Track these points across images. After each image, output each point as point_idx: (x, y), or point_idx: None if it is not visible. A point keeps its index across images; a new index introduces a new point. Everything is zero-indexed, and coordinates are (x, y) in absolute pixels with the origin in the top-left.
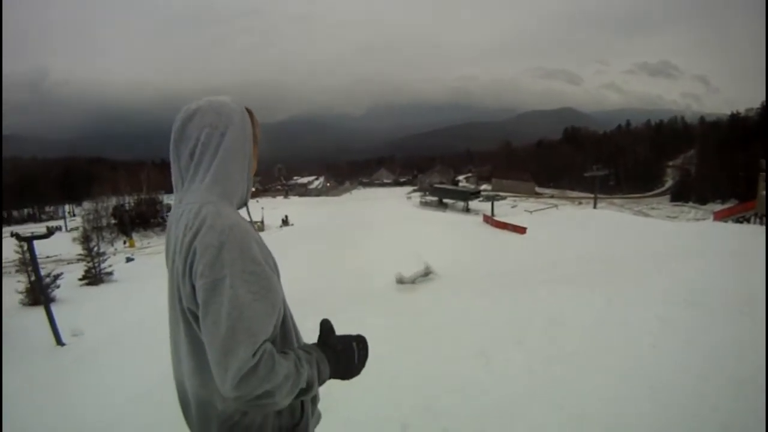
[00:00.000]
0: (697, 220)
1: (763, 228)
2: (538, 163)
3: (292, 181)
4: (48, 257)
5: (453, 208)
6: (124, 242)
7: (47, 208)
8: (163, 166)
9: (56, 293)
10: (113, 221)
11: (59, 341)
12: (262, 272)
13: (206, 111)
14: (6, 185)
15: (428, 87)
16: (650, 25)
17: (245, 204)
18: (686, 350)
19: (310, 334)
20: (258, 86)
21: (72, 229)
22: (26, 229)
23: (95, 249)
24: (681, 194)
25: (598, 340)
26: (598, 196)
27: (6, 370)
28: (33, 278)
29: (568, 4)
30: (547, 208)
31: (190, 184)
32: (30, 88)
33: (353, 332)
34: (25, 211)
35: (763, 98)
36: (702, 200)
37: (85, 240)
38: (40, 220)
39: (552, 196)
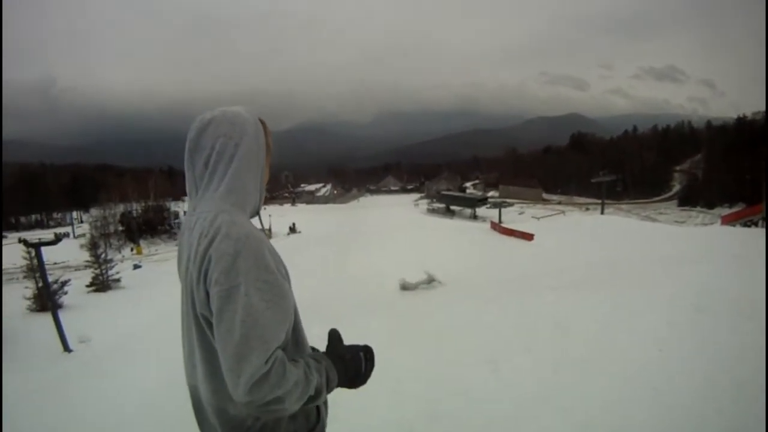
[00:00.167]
0: (705, 224)
1: None
2: (545, 170)
3: (299, 189)
4: (56, 263)
5: (460, 215)
6: (132, 249)
7: (55, 215)
8: (171, 174)
9: (63, 299)
10: (121, 228)
11: (66, 347)
12: (275, 281)
13: (221, 121)
14: (14, 191)
15: (435, 94)
16: (656, 30)
17: (258, 213)
18: (693, 355)
19: (316, 341)
20: (265, 94)
21: (79, 236)
22: (34, 236)
23: (103, 256)
24: (688, 199)
25: (605, 346)
26: (606, 201)
27: (13, 375)
28: (40, 284)
29: (573, 10)
30: (555, 214)
31: (204, 193)
32: (39, 95)
33: (358, 337)
34: (33, 217)
35: None
36: (710, 204)
37: (93, 247)
38: (48, 227)
39: (559, 203)
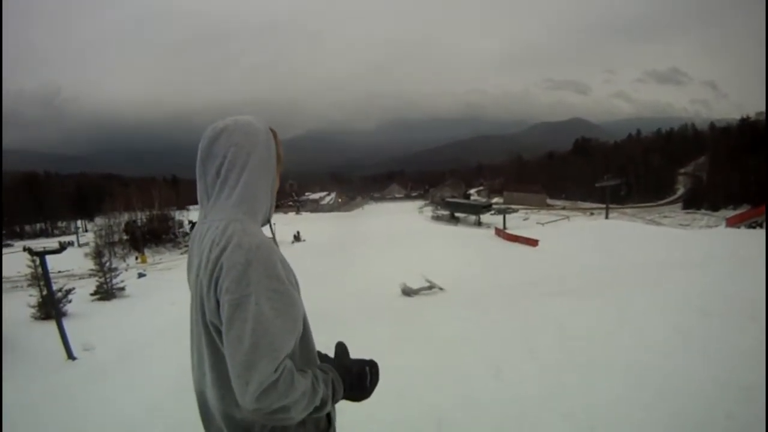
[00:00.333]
0: (710, 227)
1: None
2: (549, 175)
3: (304, 197)
4: (60, 272)
5: (465, 222)
6: (136, 258)
7: (60, 223)
8: (174, 183)
9: (68, 308)
10: (125, 237)
11: (70, 355)
12: (285, 290)
13: (233, 130)
14: (19, 200)
15: (438, 102)
16: (658, 33)
17: (268, 221)
18: (700, 359)
19: (321, 348)
20: (268, 103)
21: (84, 245)
22: (39, 244)
23: (107, 264)
24: (693, 201)
25: (611, 350)
26: (610, 206)
27: (17, 383)
28: (45, 292)
29: (575, 14)
30: (559, 219)
31: (215, 201)
32: (43, 105)
33: (362, 341)
34: (38, 226)
35: None
36: (714, 207)
37: (97, 255)
38: (53, 235)
39: (564, 208)
